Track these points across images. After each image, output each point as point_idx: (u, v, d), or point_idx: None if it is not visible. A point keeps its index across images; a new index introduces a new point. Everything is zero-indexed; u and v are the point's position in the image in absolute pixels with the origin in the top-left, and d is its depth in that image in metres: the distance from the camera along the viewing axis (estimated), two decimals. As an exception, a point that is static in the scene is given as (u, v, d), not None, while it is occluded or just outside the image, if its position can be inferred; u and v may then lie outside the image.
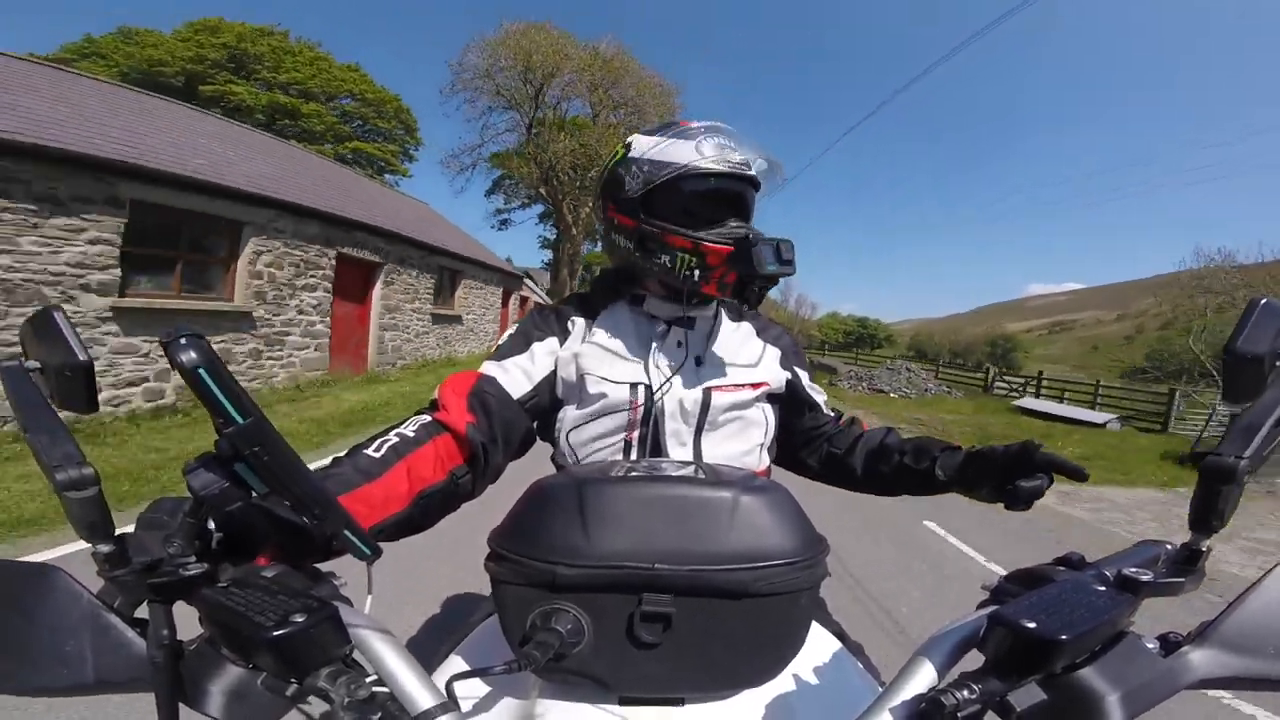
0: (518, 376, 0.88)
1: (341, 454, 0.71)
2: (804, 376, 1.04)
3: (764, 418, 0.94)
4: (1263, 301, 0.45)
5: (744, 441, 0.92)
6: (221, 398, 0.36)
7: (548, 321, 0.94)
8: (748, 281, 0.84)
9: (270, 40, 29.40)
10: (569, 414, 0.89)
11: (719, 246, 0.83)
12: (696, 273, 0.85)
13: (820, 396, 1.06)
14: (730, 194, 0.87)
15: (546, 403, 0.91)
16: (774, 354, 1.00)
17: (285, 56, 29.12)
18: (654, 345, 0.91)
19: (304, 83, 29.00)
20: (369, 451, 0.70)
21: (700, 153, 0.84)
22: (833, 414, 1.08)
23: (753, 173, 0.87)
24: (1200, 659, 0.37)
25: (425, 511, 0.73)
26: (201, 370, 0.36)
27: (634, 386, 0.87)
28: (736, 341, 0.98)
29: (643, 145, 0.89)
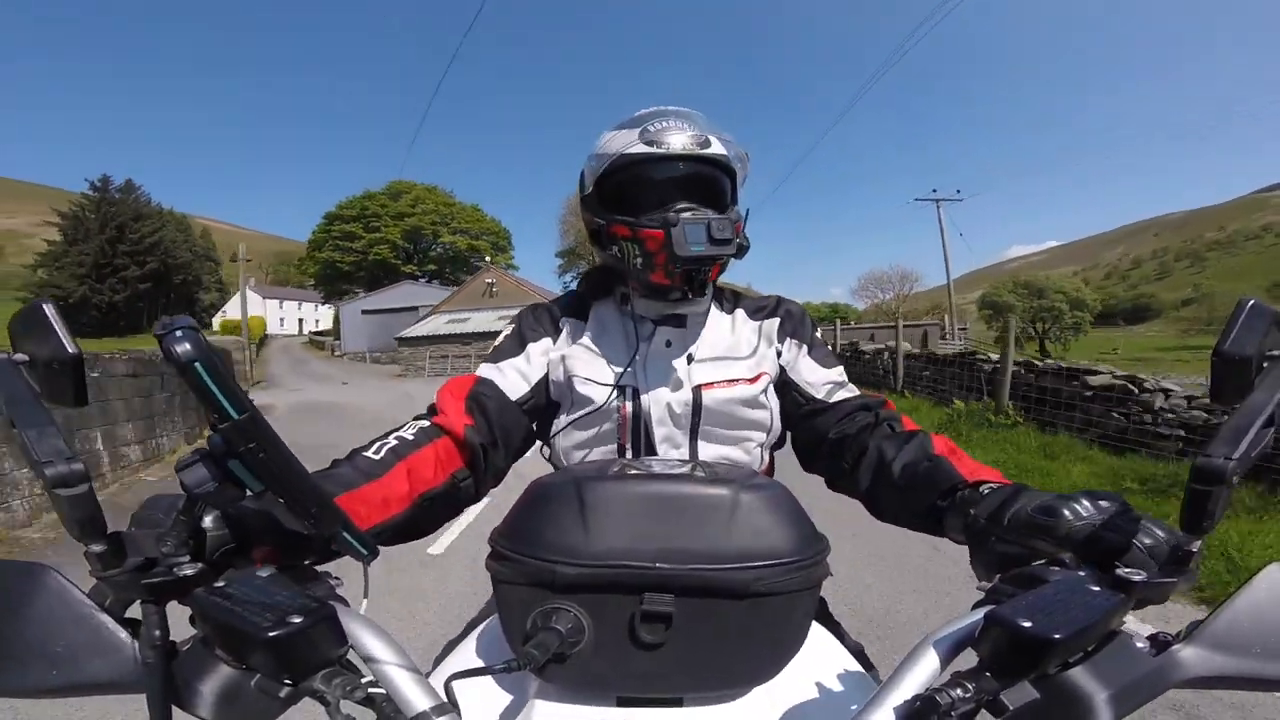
0: (514, 378, 0.87)
1: (340, 456, 0.70)
2: (797, 350, 0.91)
3: (766, 413, 0.88)
4: (1250, 303, 0.45)
5: (741, 443, 0.88)
6: (216, 392, 0.35)
7: (541, 321, 0.93)
8: (672, 263, 0.78)
9: (437, 196, 48.62)
10: (560, 419, 0.88)
11: (651, 231, 0.79)
12: (640, 261, 0.81)
13: (819, 373, 0.90)
14: (680, 179, 0.81)
15: (544, 403, 0.90)
16: (770, 334, 0.92)
17: (452, 209, 48.82)
18: (642, 346, 0.88)
19: (470, 227, 49.52)
20: (368, 454, 0.70)
21: (640, 138, 0.80)
22: (849, 396, 0.88)
23: (707, 153, 0.81)
24: (1189, 658, 0.37)
25: (427, 514, 0.73)
26: (197, 364, 0.35)
27: (620, 389, 0.85)
28: (731, 333, 0.92)
29: (597, 141, 0.85)
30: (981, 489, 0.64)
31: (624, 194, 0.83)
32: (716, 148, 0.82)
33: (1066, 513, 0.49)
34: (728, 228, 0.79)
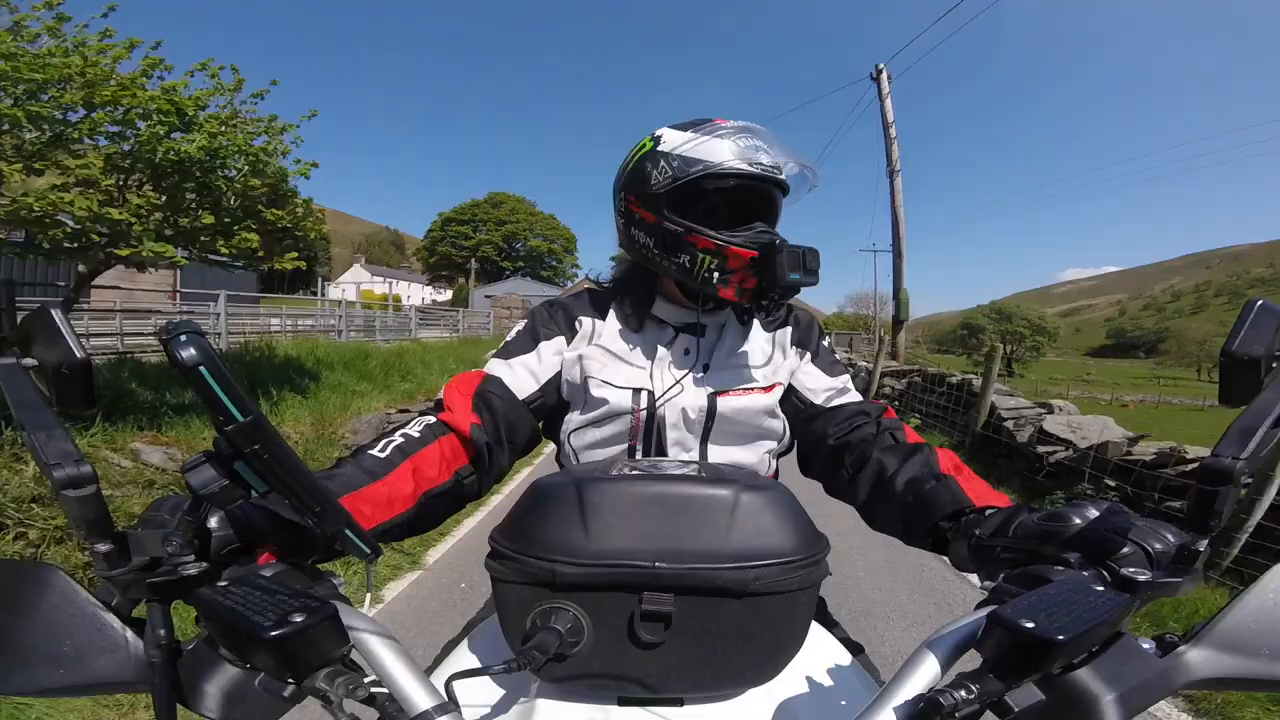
0: (523, 376, 0.87)
1: (346, 455, 0.71)
2: (800, 358, 0.93)
3: (780, 423, 0.89)
4: (1259, 303, 0.44)
5: (752, 449, 0.89)
6: (221, 395, 0.35)
7: (556, 319, 0.92)
8: (767, 289, 0.81)
9: (526, 206, 60.83)
10: (573, 418, 0.88)
11: (743, 250, 0.80)
12: (716, 275, 0.81)
13: (821, 381, 0.92)
14: (758, 197, 0.84)
15: (553, 402, 0.90)
16: (783, 343, 0.94)
17: (535, 217, 60.80)
18: (660, 351, 0.89)
19: (548, 233, 61.20)
20: (374, 452, 0.70)
21: (733, 153, 0.80)
22: (848, 401, 0.89)
23: (783, 176, 0.84)
24: (1196, 659, 0.37)
25: (430, 513, 0.73)
26: (202, 368, 0.35)
27: (636, 392, 0.85)
28: (747, 343, 0.93)
29: (674, 140, 0.83)
30: (986, 512, 0.63)
31: (699, 204, 0.82)
32: (790, 171, 0.84)
33: (1074, 517, 0.50)
34: (816, 260, 0.81)
